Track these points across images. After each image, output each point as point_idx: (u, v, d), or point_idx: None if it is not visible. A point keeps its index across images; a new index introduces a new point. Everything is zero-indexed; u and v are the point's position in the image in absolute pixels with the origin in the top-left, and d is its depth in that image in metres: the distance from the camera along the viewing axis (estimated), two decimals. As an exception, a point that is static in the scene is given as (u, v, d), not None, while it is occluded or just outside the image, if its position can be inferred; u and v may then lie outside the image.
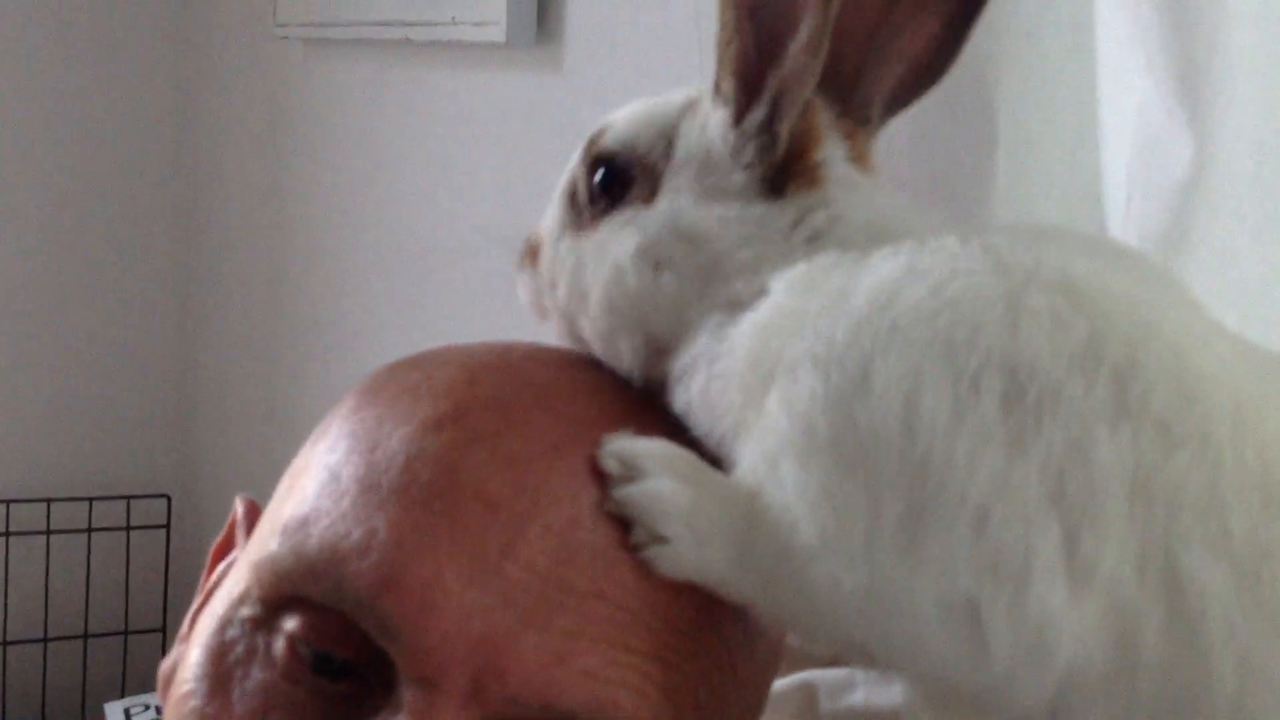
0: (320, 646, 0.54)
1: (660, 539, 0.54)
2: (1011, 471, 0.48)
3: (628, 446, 0.55)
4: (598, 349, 0.61)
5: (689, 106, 0.61)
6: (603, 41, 1.53)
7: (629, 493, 0.54)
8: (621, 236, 0.60)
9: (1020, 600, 0.48)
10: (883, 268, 0.52)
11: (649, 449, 0.55)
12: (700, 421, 0.56)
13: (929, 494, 0.49)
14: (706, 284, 0.57)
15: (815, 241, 0.57)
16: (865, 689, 0.77)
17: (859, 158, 0.60)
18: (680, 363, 0.57)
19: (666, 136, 0.60)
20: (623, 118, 0.62)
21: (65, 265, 2.44)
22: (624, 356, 0.60)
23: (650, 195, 0.60)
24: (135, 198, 2.47)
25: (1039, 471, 0.48)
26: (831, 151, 0.58)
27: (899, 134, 0.96)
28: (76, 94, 2.42)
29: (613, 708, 0.53)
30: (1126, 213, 0.82)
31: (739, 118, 0.58)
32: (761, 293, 0.55)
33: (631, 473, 0.55)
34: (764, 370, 0.53)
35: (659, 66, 1.42)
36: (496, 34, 1.62)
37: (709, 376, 0.56)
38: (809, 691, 0.78)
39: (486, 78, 1.72)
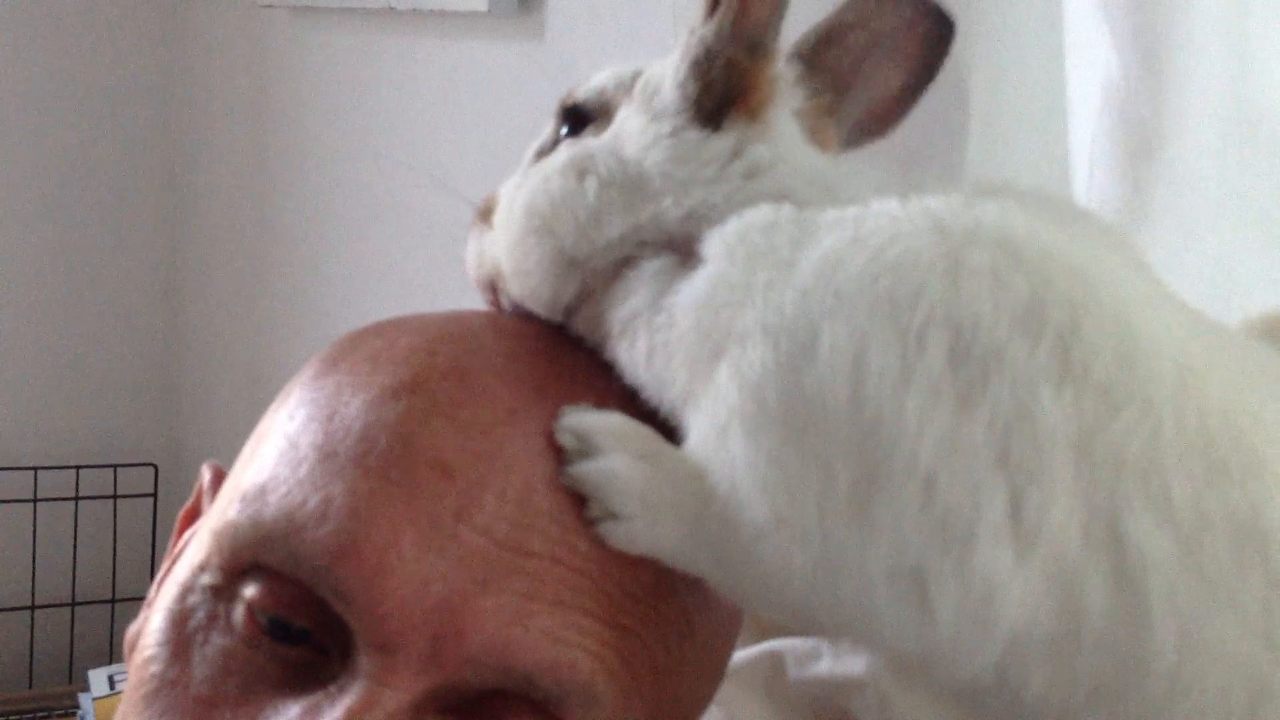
0: (278, 612, 0.54)
1: (614, 515, 0.54)
2: (959, 431, 0.48)
3: (583, 421, 0.55)
4: (507, 266, 0.60)
5: (661, 59, 0.61)
6: (583, 11, 1.53)
7: (583, 470, 0.54)
8: (559, 154, 0.60)
9: (965, 565, 0.48)
10: (827, 239, 0.52)
11: (604, 424, 0.55)
12: (647, 386, 0.56)
13: (880, 457, 0.48)
14: (631, 196, 0.57)
15: (754, 179, 0.56)
16: (831, 658, 0.77)
17: (819, 139, 0.59)
18: (619, 314, 0.56)
19: (634, 77, 0.61)
20: (598, 75, 0.63)
21: (51, 235, 2.43)
22: (531, 268, 0.59)
23: (603, 129, 0.60)
24: (121, 168, 2.46)
25: (985, 431, 0.48)
26: (782, 108, 0.58)
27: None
28: (61, 63, 2.40)
29: (570, 669, 0.53)
30: (1090, 183, 0.83)
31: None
32: (700, 257, 0.54)
33: (586, 449, 0.54)
34: (713, 343, 0.52)
35: (639, 36, 1.41)
36: (479, 3, 1.62)
37: (651, 345, 0.55)
38: (776, 660, 0.78)
39: (469, 47, 1.72)
